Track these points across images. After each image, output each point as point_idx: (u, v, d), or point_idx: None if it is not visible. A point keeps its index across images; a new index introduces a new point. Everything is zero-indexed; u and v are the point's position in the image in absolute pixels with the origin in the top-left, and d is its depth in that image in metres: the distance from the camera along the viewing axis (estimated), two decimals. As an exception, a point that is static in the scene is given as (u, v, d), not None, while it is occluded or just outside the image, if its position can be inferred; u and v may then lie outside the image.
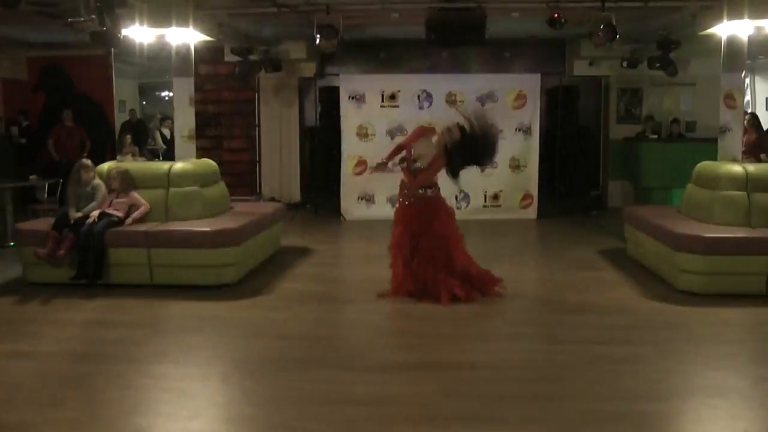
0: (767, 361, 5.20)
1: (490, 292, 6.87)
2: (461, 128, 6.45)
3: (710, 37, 8.83)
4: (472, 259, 6.93)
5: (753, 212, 7.31)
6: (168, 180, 7.97)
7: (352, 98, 12.00)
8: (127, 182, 7.78)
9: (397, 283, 6.89)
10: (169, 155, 11.76)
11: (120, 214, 7.56)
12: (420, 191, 6.69)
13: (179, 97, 8.97)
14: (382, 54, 13.96)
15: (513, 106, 11.90)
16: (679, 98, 13.68)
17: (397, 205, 7.02)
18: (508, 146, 11.86)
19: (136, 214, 7.64)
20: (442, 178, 6.83)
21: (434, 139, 6.70)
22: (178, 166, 8.20)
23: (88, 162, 7.97)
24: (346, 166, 12.02)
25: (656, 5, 9.04)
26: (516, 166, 11.97)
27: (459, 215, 7.20)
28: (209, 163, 8.83)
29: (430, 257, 6.65)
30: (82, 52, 12.72)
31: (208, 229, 7.38)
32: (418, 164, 6.63)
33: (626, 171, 13.16)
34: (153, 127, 15.48)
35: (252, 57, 12.19)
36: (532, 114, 11.94)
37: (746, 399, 4.52)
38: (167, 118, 14.35)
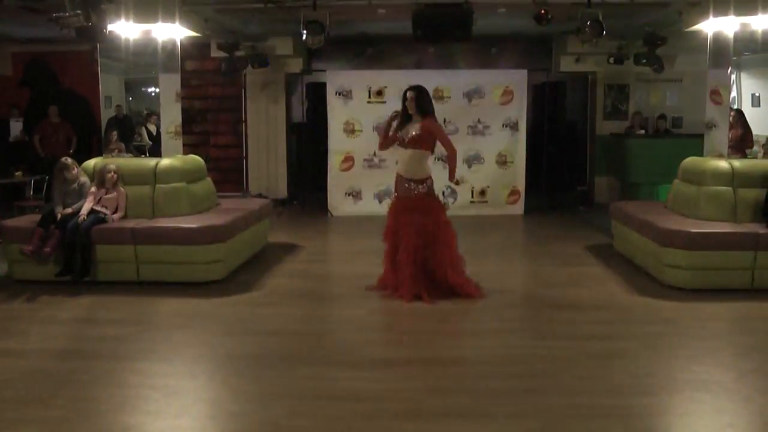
0: (752, 355, 5.23)
1: (463, 295, 6.71)
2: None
3: (696, 33, 8.88)
4: (459, 265, 6.80)
5: (738, 207, 7.36)
6: (155, 176, 7.94)
7: (339, 94, 11.97)
8: (119, 177, 7.74)
9: (384, 276, 6.93)
10: (156, 151, 11.71)
11: (109, 211, 7.53)
12: (412, 185, 6.65)
13: (165, 93, 8.94)
14: (369, 50, 13.97)
15: (500, 101, 11.92)
16: (665, 94, 13.73)
17: (391, 200, 7.02)
18: (495, 142, 11.93)
19: (120, 212, 7.62)
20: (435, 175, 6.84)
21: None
22: (165, 162, 8.16)
23: (70, 161, 7.87)
24: (334, 162, 12.00)
25: (643, 1, 9.06)
26: (503, 161, 11.99)
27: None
28: (196, 159, 8.80)
29: (411, 254, 6.59)
30: (67, 47, 12.63)
31: (195, 225, 7.35)
32: (412, 133, 6.60)
33: (613, 167, 13.19)
34: (139, 123, 15.39)
35: (238, 53, 12.15)
36: (519, 110, 11.95)
37: (731, 393, 4.55)
38: (153, 114, 14.27)
